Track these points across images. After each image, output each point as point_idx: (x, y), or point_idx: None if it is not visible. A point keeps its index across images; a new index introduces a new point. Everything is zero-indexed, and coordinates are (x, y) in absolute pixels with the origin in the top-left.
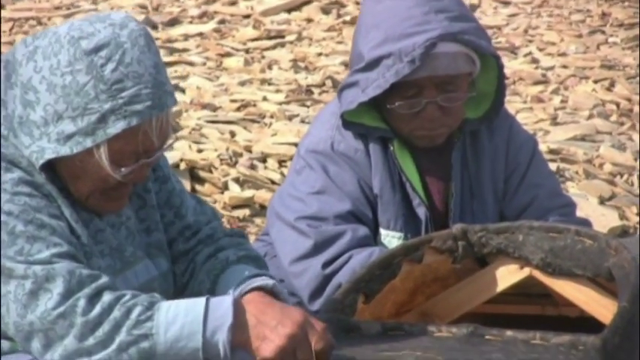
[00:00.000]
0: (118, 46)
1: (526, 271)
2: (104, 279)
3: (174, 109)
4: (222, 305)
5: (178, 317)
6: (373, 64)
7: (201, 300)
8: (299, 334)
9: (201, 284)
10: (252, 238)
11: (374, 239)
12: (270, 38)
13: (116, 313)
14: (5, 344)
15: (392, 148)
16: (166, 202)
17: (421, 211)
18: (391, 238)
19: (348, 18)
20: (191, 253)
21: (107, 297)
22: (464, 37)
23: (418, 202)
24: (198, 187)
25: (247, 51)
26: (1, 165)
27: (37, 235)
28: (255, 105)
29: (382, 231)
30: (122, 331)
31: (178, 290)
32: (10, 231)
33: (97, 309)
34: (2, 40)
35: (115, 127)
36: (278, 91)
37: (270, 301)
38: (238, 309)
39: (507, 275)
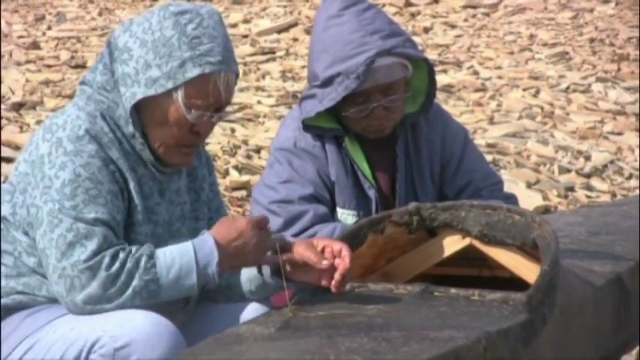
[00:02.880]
0: (199, 14)
1: (467, 241)
2: (123, 244)
3: None
4: (207, 244)
5: (175, 261)
6: (327, 82)
7: (188, 244)
8: (247, 239)
9: None
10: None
11: (332, 217)
12: (263, 54)
13: (129, 264)
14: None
15: (344, 143)
16: (215, 209)
17: (371, 193)
18: (347, 216)
19: None
20: None
21: (122, 254)
22: (396, 50)
23: (368, 185)
24: None
25: (245, 64)
26: (87, 137)
27: (92, 200)
28: (251, 107)
29: (339, 210)
30: (135, 278)
31: None
32: (74, 188)
33: (117, 264)
34: (49, 55)
35: (192, 72)
36: (270, 96)
37: (225, 223)
38: (219, 245)
39: (452, 244)
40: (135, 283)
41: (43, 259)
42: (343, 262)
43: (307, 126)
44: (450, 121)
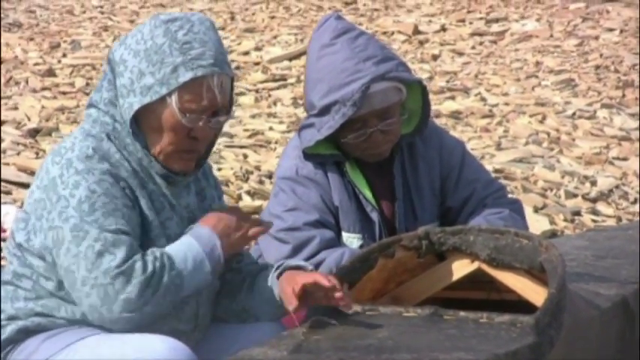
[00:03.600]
0: (189, 20)
1: (475, 265)
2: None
3: None
4: (202, 232)
5: (186, 254)
6: (324, 111)
7: (187, 238)
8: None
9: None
10: None
11: (338, 241)
12: (275, 81)
13: (158, 264)
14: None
15: (345, 169)
16: None
17: (374, 216)
18: (352, 239)
19: None
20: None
21: (148, 257)
22: (390, 74)
23: (371, 208)
24: None
25: (257, 91)
26: (96, 157)
27: (111, 213)
28: (263, 133)
29: (344, 234)
30: (164, 278)
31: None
32: (92, 204)
33: (149, 266)
34: (64, 82)
35: (185, 76)
36: (281, 122)
37: (203, 218)
38: (215, 231)
39: (461, 268)
40: (164, 281)
41: (66, 277)
42: (330, 281)
43: (308, 155)
44: (446, 135)
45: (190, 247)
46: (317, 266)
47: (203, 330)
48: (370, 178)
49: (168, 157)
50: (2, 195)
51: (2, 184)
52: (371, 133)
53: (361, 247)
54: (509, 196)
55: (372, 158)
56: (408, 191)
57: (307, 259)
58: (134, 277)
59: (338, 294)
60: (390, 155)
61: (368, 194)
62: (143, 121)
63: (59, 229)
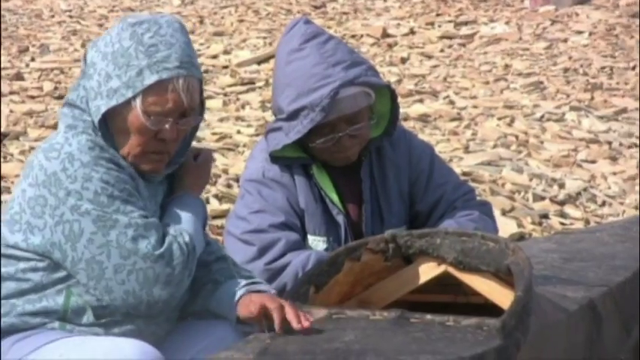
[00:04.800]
0: (157, 23)
1: (442, 268)
2: None
3: None
4: (198, 206)
5: (197, 236)
6: (292, 115)
7: (189, 216)
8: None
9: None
10: None
11: (304, 244)
12: (243, 84)
13: (190, 247)
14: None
15: (312, 171)
16: None
17: (340, 219)
18: (317, 242)
19: None
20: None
21: (179, 238)
22: (359, 79)
23: (337, 212)
24: None
25: (225, 94)
26: (97, 148)
27: (129, 199)
28: (231, 137)
29: (309, 237)
30: (194, 259)
31: None
32: (109, 194)
33: (185, 248)
34: (33, 86)
35: (150, 79)
36: (249, 125)
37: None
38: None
39: (427, 271)
40: (194, 261)
41: (88, 269)
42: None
43: (274, 157)
44: (415, 139)
45: (195, 225)
46: (283, 268)
47: (173, 316)
48: (337, 181)
49: (136, 158)
50: None
51: None
52: (339, 137)
53: (326, 249)
54: (479, 198)
55: (340, 162)
56: (375, 195)
57: (272, 261)
58: (174, 259)
59: (293, 323)
60: (358, 159)
61: (334, 197)
62: (111, 124)
63: (74, 222)
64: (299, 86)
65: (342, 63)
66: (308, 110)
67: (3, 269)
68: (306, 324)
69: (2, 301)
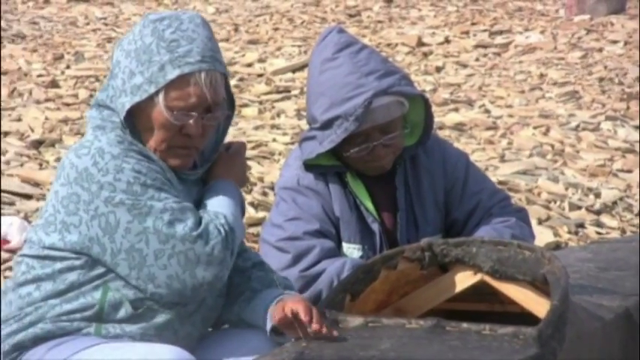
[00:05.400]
0: (178, 18)
1: (478, 277)
2: None
3: None
4: (234, 191)
5: (225, 207)
6: (326, 125)
7: (226, 200)
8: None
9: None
10: None
11: (339, 251)
12: (278, 92)
13: (227, 228)
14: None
15: (347, 179)
16: None
17: (375, 227)
18: (352, 250)
19: None
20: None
21: (216, 220)
22: (392, 89)
23: (372, 220)
24: None
25: (260, 102)
26: (125, 142)
27: (162, 187)
28: (266, 145)
29: (344, 244)
30: (236, 239)
31: None
32: (142, 183)
33: (222, 229)
34: (68, 93)
35: (172, 73)
36: (284, 134)
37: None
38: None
39: (464, 279)
40: (236, 241)
41: (129, 259)
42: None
43: (309, 165)
44: (449, 148)
45: (232, 208)
46: (318, 276)
47: (203, 330)
48: (372, 189)
49: (163, 153)
50: (6, 206)
51: (6, 195)
52: (374, 147)
53: (361, 257)
54: (515, 205)
55: (374, 171)
56: (410, 203)
57: (307, 268)
58: (211, 239)
59: (312, 327)
60: (393, 167)
61: (369, 205)
62: (137, 121)
63: (109, 214)
64: (332, 96)
65: (376, 72)
66: (342, 120)
67: (41, 271)
68: (324, 330)
69: (41, 303)
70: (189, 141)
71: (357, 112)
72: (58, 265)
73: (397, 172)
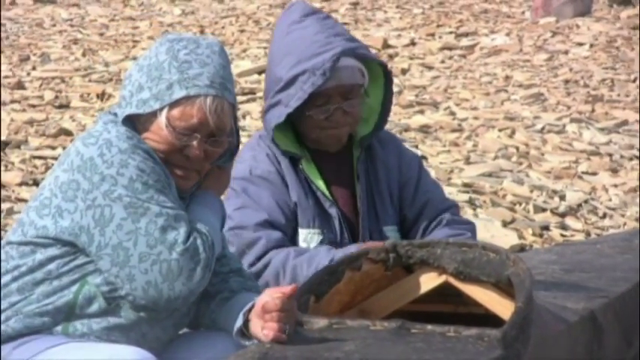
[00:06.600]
0: (196, 42)
1: (443, 278)
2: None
3: None
4: (218, 207)
5: (209, 222)
6: (290, 82)
7: (209, 216)
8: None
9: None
10: None
11: (292, 241)
12: (244, 94)
13: (210, 245)
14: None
15: (301, 165)
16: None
17: (333, 211)
18: (313, 235)
19: None
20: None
21: (202, 235)
22: (359, 51)
23: (329, 204)
24: None
25: None
26: (135, 138)
27: (163, 190)
28: None
29: (304, 230)
30: (210, 251)
31: None
32: (144, 182)
33: (206, 246)
34: (34, 95)
35: (178, 93)
36: (250, 135)
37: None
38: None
39: (428, 281)
40: (211, 255)
41: (114, 255)
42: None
43: (273, 139)
44: (404, 147)
45: (214, 224)
46: (265, 267)
47: (177, 320)
48: (326, 174)
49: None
50: None
51: None
52: (334, 110)
53: (322, 242)
54: (475, 211)
55: (330, 142)
56: (370, 189)
57: (254, 261)
58: (197, 255)
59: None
60: (348, 150)
61: (324, 189)
62: (138, 130)
63: (105, 207)
64: (300, 53)
65: (343, 35)
66: (309, 74)
67: (20, 261)
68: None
69: (17, 296)
70: (187, 163)
71: (326, 66)
72: (38, 256)
73: (356, 158)
